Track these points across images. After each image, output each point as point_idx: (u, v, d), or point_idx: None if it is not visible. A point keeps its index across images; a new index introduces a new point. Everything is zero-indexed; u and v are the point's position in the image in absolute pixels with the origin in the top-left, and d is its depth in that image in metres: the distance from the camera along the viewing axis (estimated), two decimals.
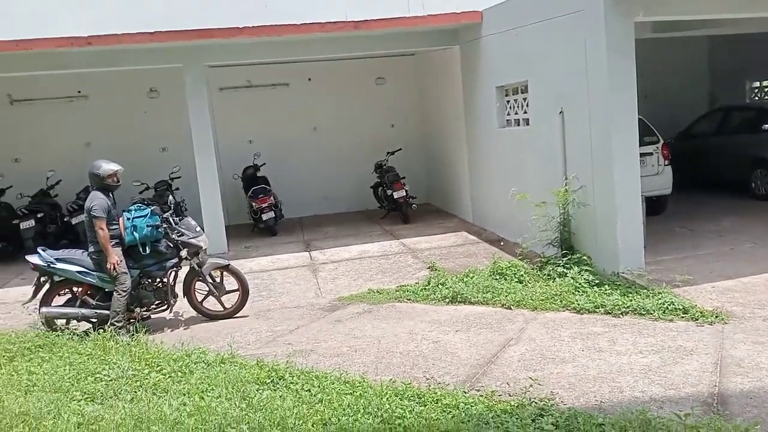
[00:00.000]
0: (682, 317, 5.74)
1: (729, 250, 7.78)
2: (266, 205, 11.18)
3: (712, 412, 4.04)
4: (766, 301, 5.99)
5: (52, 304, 6.51)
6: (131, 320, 6.50)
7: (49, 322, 6.42)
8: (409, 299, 7.04)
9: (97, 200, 6.24)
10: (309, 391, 4.62)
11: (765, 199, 10.54)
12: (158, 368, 5.20)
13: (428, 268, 8.24)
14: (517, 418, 4.01)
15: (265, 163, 12.15)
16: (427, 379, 4.84)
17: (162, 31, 8.84)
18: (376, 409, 4.22)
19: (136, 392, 4.74)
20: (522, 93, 8.80)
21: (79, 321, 6.57)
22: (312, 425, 4.07)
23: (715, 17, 8.31)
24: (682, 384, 4.47)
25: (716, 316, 5.65)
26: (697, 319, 5.66)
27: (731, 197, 11.04)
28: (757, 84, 14.32)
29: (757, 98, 14.61)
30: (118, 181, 6.49)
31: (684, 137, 12.19)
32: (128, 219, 6.47)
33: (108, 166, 6.37)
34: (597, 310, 6.08)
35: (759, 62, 13.51)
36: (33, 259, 6.42)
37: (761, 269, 6.88)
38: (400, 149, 12.44)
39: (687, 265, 7.07)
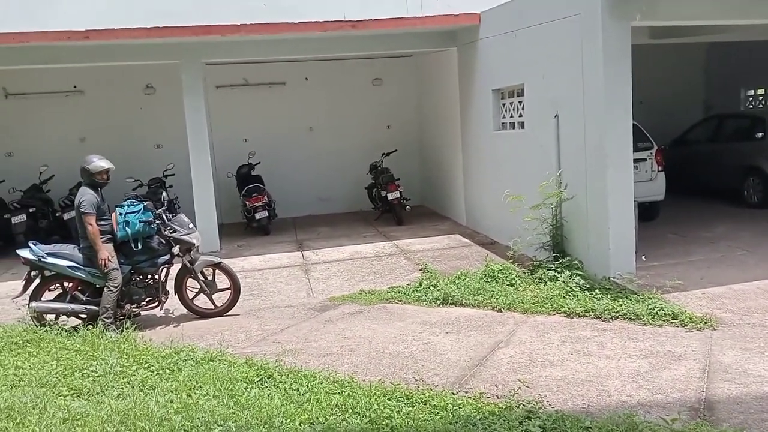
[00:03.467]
0: (672, 323, 5.76)
1: (720, 257, 7.81)
2: (260, 204, 11.15)
3: (699, 417, 4.05)
4: (755, 308, 6.02)
5: (42, 299, 6.48)
6: (121, 316, 6.48)
7: (39, 317, 6.39)
8: (400, 300, 7.04)
9: (86, 196, 6.22)
10: (297, 390, 4.62)
11: (757, 206, 10.58)
12: (146, 365, 5.18)
13: (420, 269, 8.23)
14: (504, 420, 4.01)
15: (259, 162, 12.14)
16: (416, 380, 4.83)
17: (159, 26, 8.82)
18: (364, 409, 4.22)
19: (123, 389, 4.72)
20: (518, 96, 8.81)
21: (68, 316, 6.54)
22: (299, 424, 4.06)
23: (712, 23, 8.34)
24: (670, 389, 4.48)
25: (705, 323, 5.67)
26: (686, 325, 5.67)
27: (724, 204, 11.08)
28: (753, 92, 14.38)
29: (752, 106, 14.69)
30: (108, 179, 6.44)
31: (678, 144, 12.23)
32: (121, 214, 6.44)
33: (99, 163, 6.33)
34: (587, 314, 6.10)
35: (755, 70, 13.57)
36: (24, 253, 6.37)
37: (752, 276, 6.92)
38: (396, 150, 12.44)
39: (678, 271, 7.10)
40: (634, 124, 7.07)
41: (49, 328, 6.20)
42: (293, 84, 13.16)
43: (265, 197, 11.25)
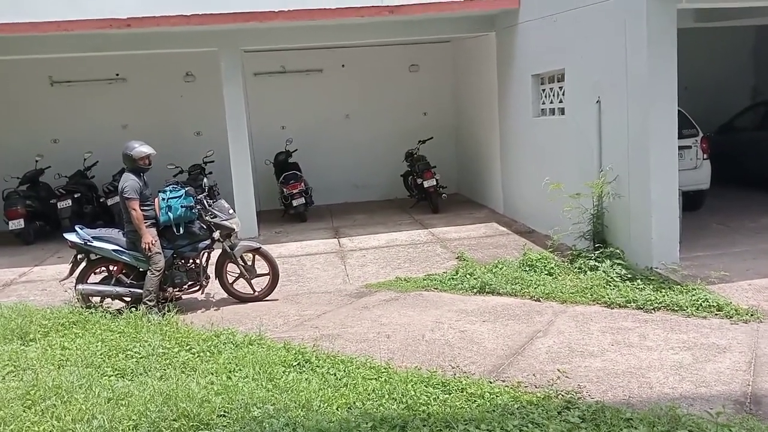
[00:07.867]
0: (716, 314, 5.62)
1: (767, 248, 7.56)
2: (297, 191, 11.24)
3: (745, 411, 3.95)
4: None
5: (88, 282, 6.66)
6: (164, 300, 6.62)
7: (85, 299, 6.56)
8: (436, 288, 7.02)
9: (129, 181, 6.35)
10: (335, 375, 4.66)
11: None
12: (188, 347, 5.29)
13: (457, 258, 8.20)
14: (542, 410, 3.98)
15: (296, 149, 12.21)
16: (453, 368, 4.83)
17: (199, 14, 8.92)
18: (400, 395, 4.24)
19: (165, 370, 4.82)
20: (558, 81, 8.66)
21: (113, 299, 6.71)
22: (337, 408, 4.10)
23: (760, 5, 8.04)
24: (714, 382, 4.38)
25: (752, 315, 5.51)
26: (731, 317, 5.53)
27: None
28: None
29: None
30: (150, 164, 6.57)
31: (725, 131, 11.86)
32: (163, 199, 6.57)
33: (141, 149, 6.46)
34: (628, 304, 5.99)
35: None
36: (70, 237, 6.56)
37: None
38: (432, 138, 12.35)
39: (723, 262, 6.90)
40: (678, 111, 6.88)
41: (94, 310, 6.37)
42: (330, 71, 13.17)
43: (302, 184, 11.33)
